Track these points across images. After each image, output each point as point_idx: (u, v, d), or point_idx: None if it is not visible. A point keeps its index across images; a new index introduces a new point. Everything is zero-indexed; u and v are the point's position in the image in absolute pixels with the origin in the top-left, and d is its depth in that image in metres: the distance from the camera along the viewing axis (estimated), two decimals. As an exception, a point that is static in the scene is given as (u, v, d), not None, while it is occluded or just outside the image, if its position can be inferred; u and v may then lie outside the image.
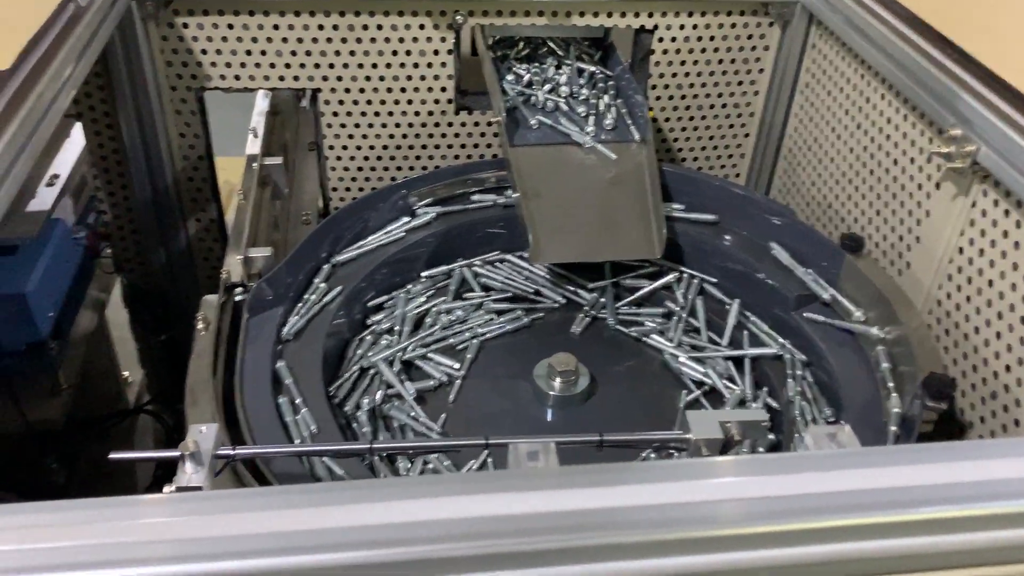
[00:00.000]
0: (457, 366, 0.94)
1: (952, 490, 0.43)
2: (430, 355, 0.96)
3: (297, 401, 0.82)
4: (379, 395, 0.89)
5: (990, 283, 0.87)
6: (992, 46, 0.90)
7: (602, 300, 1.05)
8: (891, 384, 0.85)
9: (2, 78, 0.74)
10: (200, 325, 0.88)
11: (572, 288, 1.07)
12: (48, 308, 1.11)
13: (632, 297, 1.06)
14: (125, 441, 1.37)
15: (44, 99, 0.80)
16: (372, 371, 0.93)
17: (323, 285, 0.97)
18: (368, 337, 0.98)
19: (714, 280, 1.06)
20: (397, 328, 0.98)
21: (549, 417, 0.92)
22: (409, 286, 1.05)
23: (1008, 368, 0.84)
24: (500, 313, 1.03)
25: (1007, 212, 0.84)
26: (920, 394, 0.79)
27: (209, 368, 0.83)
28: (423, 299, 1.03)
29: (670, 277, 1.07)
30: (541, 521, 0.41)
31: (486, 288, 1.06)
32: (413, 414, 0.88)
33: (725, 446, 0.73)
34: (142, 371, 1.43)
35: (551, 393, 0.92)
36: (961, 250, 0.91)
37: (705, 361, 0.95)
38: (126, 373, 1.42)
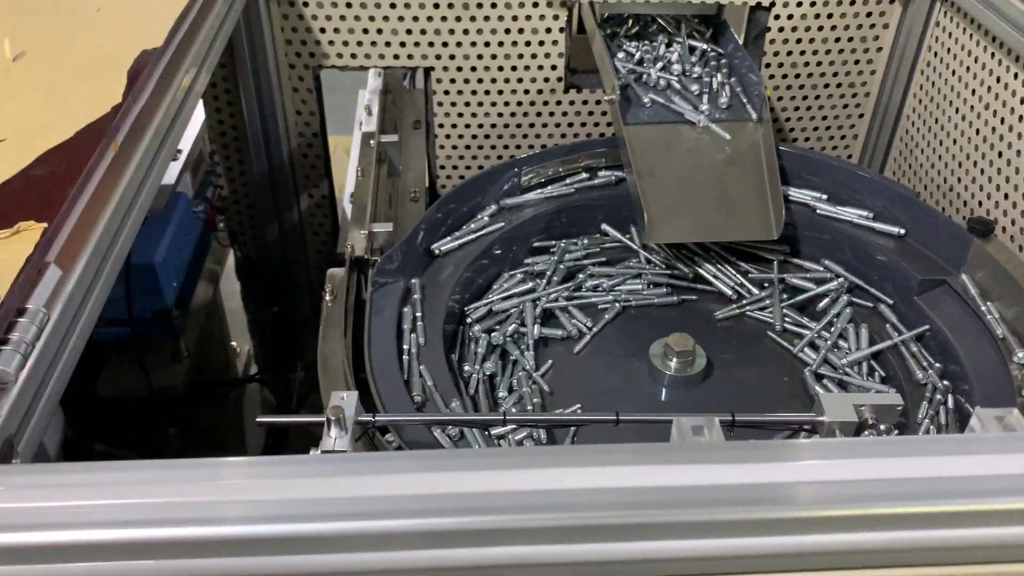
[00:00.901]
0: (590, 323, 0.97)
1: None
2: (570, 308, 0.99)
3: (417, 366, 0.85)
4: (510, 328, 0.95)
5: None
6: None
7: (760, 295, 1.04)
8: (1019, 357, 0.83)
9: (156, 54, 0.77)
10: (328, 297, 0.90)
11: (738, 280, 1.05)
12: (173, 278, 1.16)
13: (794, 300, 1.03)
14: (235, 409, 1.42)
15: (188, 76, 0.83)
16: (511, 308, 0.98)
17: (486, 218, 1.03)
18: (519, 275, 1.03)
19: (890, 302, 1.00)
20: (548, 273, 1.02)
21: (663, 396, 0.92)
22: (564, 242, 1.08)
23: None
24: (655, 284, 1.04)
25: None
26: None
27: (340, 338, 0.85)
28: (582, 254, 1.06)
29: (832, 285, 1.03)
30: (720, 493, 0.41)
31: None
32: (529, 367, 0.91)
33: (859, 429, 0.72)
34: (252, 342, 1.48)
35: (667, 373, 0.92)
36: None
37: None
38: (235, 343, 1.47)
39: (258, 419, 0.71)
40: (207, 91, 1.22)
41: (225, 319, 1.47)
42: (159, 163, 0.75)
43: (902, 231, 1.01)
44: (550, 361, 0.93)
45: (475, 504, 0.42)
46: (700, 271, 1.05)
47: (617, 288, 1.04)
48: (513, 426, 0.79)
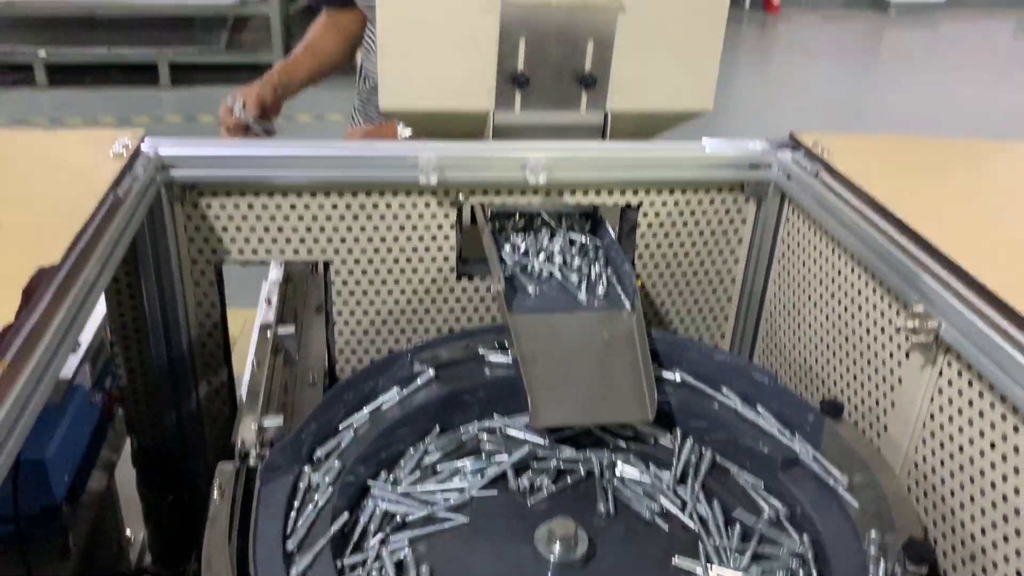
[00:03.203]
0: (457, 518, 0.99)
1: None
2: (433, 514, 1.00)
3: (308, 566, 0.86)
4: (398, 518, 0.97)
5: (961, 448, 0.93)
6: (945, 230, 0.99)
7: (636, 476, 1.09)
8: (874, 549, 0.90)
9: (52, 272, 0.82)
10: (215, 493, 0.92)
11: (579, 454, 1.11)
12: (64, 472, 1.16)
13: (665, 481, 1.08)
14: (126, 602, 1.38)
15: (87, 284, 0.88)
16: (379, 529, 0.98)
17: (335, 462, 1.02)
18: (411, 464, 1.06)
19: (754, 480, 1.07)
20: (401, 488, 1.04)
21: (549, 583, 0.95)
22: (411, 449, 1.10)
23: (983, 531, 0.89)
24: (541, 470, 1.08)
25: (970, 383, 0.91)
26: (901, 558, 0.83)
27: (224, 535, 0.87)
28: (433, 456, 1.09)
29: (704, 466, 1.09)
30: None
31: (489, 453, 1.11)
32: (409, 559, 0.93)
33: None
34: (146, 530, 1.45)
35: (550, 559, 0.95)
36: (932, 416, 0.98)
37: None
38: (129, 532, 1.44)
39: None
40: (110, 285, 1.26)
41: (119, 508, 1.45)
42: (50, 371, 0.78)
43: (762, 410, 1.09)
44: (438, 549, 0.96)
45: None
46: (583, 454, 1.11)
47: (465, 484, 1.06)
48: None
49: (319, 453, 1.01)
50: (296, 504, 0.95)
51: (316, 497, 0.95)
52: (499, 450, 1.11)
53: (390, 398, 1.11)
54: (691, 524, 1.00)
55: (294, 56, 1.92)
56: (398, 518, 0.99)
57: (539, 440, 1.11)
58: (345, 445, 1.04)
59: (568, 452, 1.11)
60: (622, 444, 1.13)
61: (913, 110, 6.06)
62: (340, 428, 1.06)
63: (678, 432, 1.13)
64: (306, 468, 0.99)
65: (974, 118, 5.91)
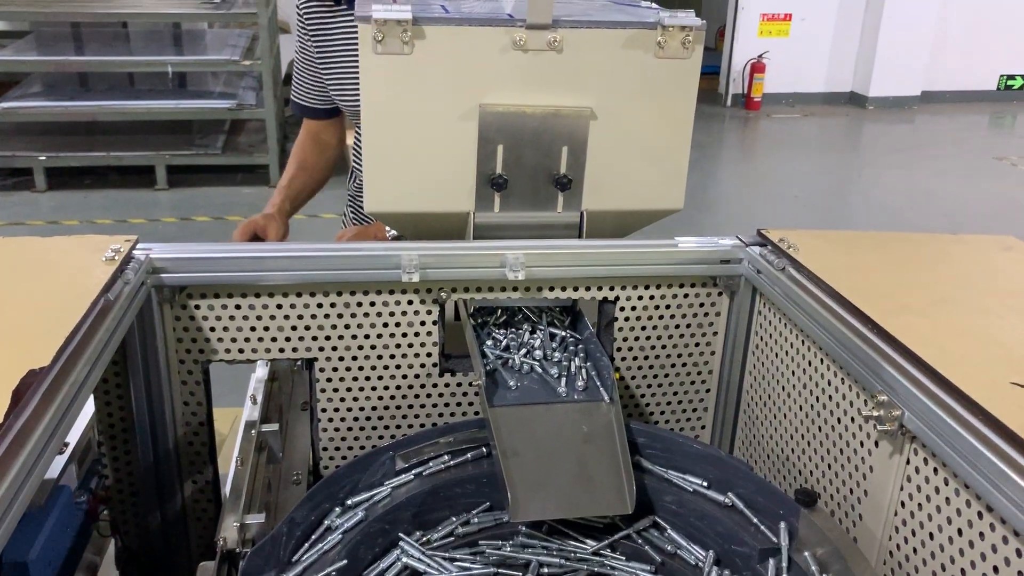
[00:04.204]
0: None
1: None
2: None
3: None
4: None
5: (931, 536, 0.95)
6: (905, 322, 1.03)
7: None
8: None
9: (42, 374, 0.85)
10: (197, 594, 0.93)
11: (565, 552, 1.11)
12: (47, 575, 1.15)
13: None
14: None
15: (75, 385, 0.91)
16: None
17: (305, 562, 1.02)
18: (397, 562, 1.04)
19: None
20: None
21: None
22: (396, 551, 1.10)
23: (958, 619, 0.90)
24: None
25: (935, 470, 0.94)
26: (875, 648, 0.84)
27: (205, 637, 0.87)
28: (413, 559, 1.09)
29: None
30: None
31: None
32: None
33: None
34: (127, 635, 1.43)
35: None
36: (903, 504, 1.00)
37: None
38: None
39: None
40: (98, 385, 1.29)
41: (101, 612, 1.43)
42: (36, 472, 0.80)
43: (737, 500, 1.11)
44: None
45: None
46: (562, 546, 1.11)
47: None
48: None
49: (301, 552, 1.02)
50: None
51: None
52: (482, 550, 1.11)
53: (372, 495, 1.13)
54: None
55: (290, 179, 1.99)
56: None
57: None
58: (325, 546, 1.04)
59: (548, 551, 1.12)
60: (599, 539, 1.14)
61: (893, 201, 6.22)
62: (322, 525, 1.07)
63: (655, 524, 1.14)
64: (292, 563, 1.00)
65: (952, 207, 6.06)
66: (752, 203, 6.17)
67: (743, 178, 7.07)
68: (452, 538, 1.12)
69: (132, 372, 1.25)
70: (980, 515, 0.87)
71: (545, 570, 1.08)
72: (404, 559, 1.08)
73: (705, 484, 1.15)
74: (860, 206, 6.25)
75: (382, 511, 1.11)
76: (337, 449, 1.40)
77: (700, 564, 1.08)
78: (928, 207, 6.09)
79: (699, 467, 1.17)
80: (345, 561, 1.04)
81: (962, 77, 9.33)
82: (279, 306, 1.29)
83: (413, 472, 1.17)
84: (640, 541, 1.13)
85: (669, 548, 1.11)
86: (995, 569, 0.85)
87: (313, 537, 1.05)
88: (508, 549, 1.10)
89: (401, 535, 1.11)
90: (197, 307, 1.27)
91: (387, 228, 1.71)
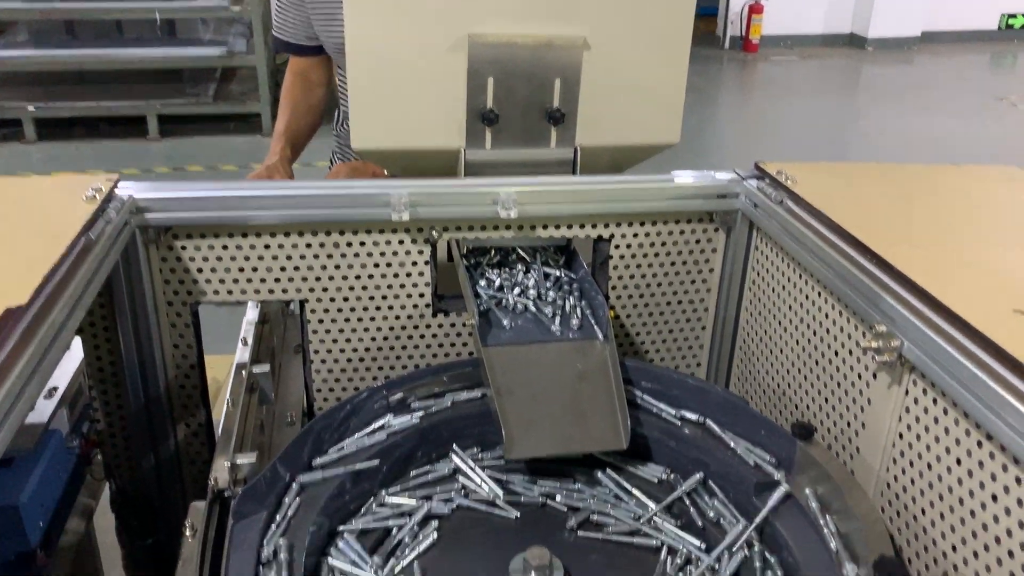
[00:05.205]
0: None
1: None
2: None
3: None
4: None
5: (929, 466, 0.94)
6: (906, 252, 1.01)
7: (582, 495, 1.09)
8: (848, 570, 0.90)
9: (19, 313, 0.83)
10: (188, 532, 0.92)
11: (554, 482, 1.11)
12: (39, 519, 1.15)
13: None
14: (104, 651, 1.36)
15: (55, 325, 0.89)
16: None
17: (309, 498, 1.01)
18: (388, 499, 1.05)
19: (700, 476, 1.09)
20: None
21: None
22: (385, 491, 1.10)
23: (955, 548, 0.89)
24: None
25: (935, 400, 0.92)
26: (872, 577, 0.83)
27: (196, 574, 0.86)
28: (405, 501, 1.08)
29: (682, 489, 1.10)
30: None
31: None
32: None
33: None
34: (126, 576, 1.44)
35: (527, 587, 0.95)
36: (901, 435, 0.99)
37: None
38: (109, 580, 1.43)
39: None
40: (85, 328, 1.27)
41: (98, 555, 1.44)
42: (15, 413, 0.78)
43: (734, 435, 1.10)
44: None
45: None
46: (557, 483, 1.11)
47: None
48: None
49: (293, 490, 1.01)
50: (269, 542, 0.94)
51: (289, 536, 0.95)
52: (475, 483, 1.11)
53: (365, 433, 1.12)
54: (666, 539, 1.00)
55: (286, 124, 1.93)
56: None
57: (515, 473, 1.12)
58: (318, 481, 1.04)
59: (543, 482, 1.11)
60: (596, 472, 1.13)
61: (893, 143, 6.16)
62: (313, 465, 1.06)
63: (651, 459, 1.13)
64: (282, 502, 0.99)
65: (952, 148, 6.00)
66: (750, 147, 6.12)
67: (741, 121, 6.99)
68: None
69: (119, 315, 1.23)
70: (980, 444, 0.85)
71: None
72: (397, 497, 1.07)
73: (701, 420, 1.14)
74: (859, 148, 6.19)
75: (376, 449, 1.10)
76: (331, 390, 1.38)
77: (701, 495, 1.08)
78: (927, 148, 6.03)
79: (694, 403, 1.15)
80: (335, 502, 1.03)
81: (963, 17, 9.19)
82: (267, 246, 1.26)
83: (409, 412, 1.16)
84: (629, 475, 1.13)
85: (667, 483, 1.10)
86: (994, 497, 0.84)
87: (306, 475, 1.04)
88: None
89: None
90: (184, 248, 1.25)
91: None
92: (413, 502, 1.07)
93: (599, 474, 1.13)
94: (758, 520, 1.00)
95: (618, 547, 1.02)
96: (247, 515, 0.96)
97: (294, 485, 1.02)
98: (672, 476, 1.11)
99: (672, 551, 1.00)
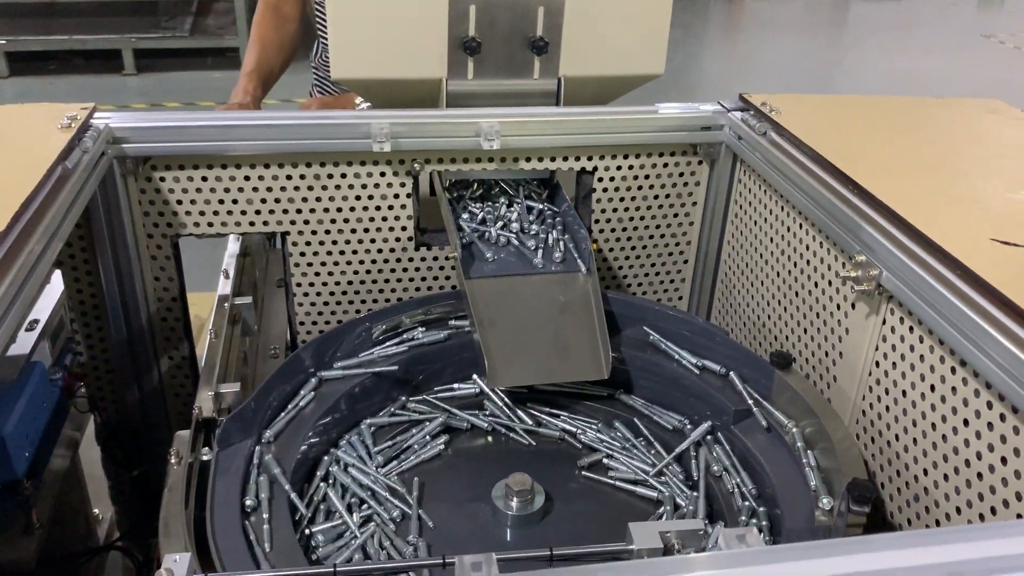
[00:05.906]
0: (409, 501, 0.99)
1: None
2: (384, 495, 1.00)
3: (264, 527, 0.87)
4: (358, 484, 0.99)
5: (904, 393, 0.95)
6: (887, 183, 1.01)
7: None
8: (822, 492, 0.92)
9: (-2, 238, 0.82)
10: (173, 459, 0.92)
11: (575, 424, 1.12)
12: (24, 448, 1.15)
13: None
14: (94, 579, 1.38)
15: (33, 255, 0.88)
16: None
17: (292, 425, 1.03)
18: (372, 426, 1.08)
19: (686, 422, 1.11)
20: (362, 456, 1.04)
21: (508, 536, 0.97)
22: (369, 420, 1.11)
23: (926, 471, 0.92)
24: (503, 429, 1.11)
25: (911, 328, 0.93)
26: (845, 499, 0.85)
27: (181, 500, 0.87)
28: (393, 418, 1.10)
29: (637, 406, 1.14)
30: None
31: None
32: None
33: (665, 554, 0.78)
34: (113, 507, 1.45)
35: (509, 513, 0.97)
36: (877, 363, 1.00)
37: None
38: (97, 510, 1.44)
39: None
40: (65, 261, 1.26)
41: (85, 486, 1.45)
42: (-3, 340, 0.78)
43: (714, 365, 1.11)
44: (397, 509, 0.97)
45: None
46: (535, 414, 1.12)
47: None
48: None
49: (278, 419, 1.02)
50: (254, 469, 0.96)
51: (274, 462, 0.96)
52: (458, 415, 1.12)
53: (348, 364, 1.12)
54: (643, 474, 1.02)
55: (256, 60, 1.88)
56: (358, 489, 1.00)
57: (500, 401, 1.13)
58: (303, 408, 1.05)
59: (526, 415, 1.13)
60: (578, 404, 1.15)
61: (879, 82, 6.12)
62: (298, 393, 1.07)
63: (633, 389, 1.15)
64: (265, 433, 1.00)
65: (939, 86, 5.97)
66: (735, 83, 6.06)
67: (727, 58, 6.92)
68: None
69: (99, 247, 1.22)
70: (953, 370, 0.87)
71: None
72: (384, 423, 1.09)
73: (680, 350, 1.15)
74: (844, 85, 6.15)
75: (358, 380, 1.11)
76: (314, 323, 1.39)
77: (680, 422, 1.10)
78: (914, 87, 6.00)
79: (675, 334, 1.17)
80: (320, 430, 1.04)
81: (954, -48, 9.05)
82: (247, 178, 1.25)
83: (392, 343, 1.17)
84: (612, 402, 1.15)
85: (647, 413, 1.12)
86: (965, 422, 0.86)
87: (289, 406, 1.05)
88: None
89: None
90: (163, 179, 1.23)
91: (359, 101, 1.65)
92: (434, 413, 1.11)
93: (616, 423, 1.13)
94: (678, 451, 1.06)
95: (599, 476, 1.04)
96: (232, 443, 0.96)
97: (281, 413, 1.03)
98: (649, 406, 1.14)
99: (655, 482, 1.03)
